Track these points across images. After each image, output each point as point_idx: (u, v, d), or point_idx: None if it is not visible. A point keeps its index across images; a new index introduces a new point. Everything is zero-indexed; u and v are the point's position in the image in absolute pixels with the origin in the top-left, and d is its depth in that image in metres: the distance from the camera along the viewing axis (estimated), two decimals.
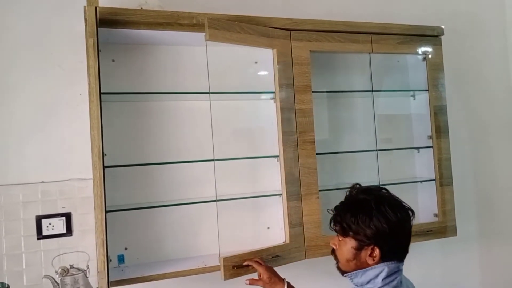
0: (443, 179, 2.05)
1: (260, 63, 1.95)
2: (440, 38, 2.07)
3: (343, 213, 1.26)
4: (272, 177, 1.83)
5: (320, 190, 1.81)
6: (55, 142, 1.67)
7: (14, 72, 1.64)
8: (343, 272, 1.31)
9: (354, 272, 1.26)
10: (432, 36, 2.06)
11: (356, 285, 1.26)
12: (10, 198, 1.61)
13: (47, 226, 1.65)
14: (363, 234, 1.21)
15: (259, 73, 1.95)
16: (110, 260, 1.63)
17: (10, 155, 1.63)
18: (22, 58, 1.65)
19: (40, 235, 1.64)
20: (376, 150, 2.04)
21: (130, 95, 1.71)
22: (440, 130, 2.07)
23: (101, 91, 1.44)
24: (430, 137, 2.08)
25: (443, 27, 2.06)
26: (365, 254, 1.23)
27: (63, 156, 1.68)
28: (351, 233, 1.23)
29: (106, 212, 1.42)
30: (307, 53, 1.80)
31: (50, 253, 1.63)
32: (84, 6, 1.41)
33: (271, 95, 1.83)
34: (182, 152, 1.80)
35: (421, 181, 2.15)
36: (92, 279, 1.54)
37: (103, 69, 1.57)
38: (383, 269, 1.22)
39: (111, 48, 1.70)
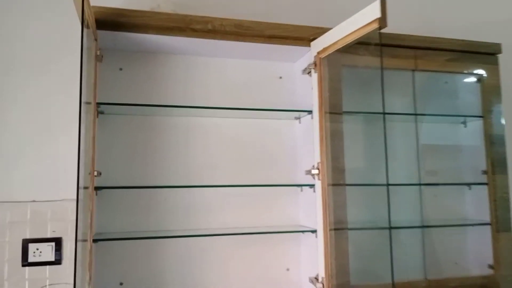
0: (500, 224, 1.76)
1: (285, 78, 1.75)
2: (497, 56, 1.83)
3: None
4: (291, 209, 1.62)
5: (349, 229, 1.54)
6: (50, 159, 1.51)
7: (7, 87, 1.51)
8: None
9: None
10: (487, 53, 1.81)
11: None
12: None
13: (34, 252, 1.47)
14: None
15: (283, 89, 1.74)
16: None
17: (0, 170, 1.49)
18: (16, 71, 1.51)
19: (25, 262, 1.46)
20: (420, 184, 1.78)
21: (135, 107, 1.52)
22: (496, 164, 1.79)
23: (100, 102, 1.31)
24: (485, 172, 1.80)
25: (501, 43, 1.82)
26: None
27: (57, 174, 1.51)
28: None
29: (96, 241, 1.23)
30: (338, 67, 1.58)
31: (36, 283, 1.46)
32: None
33: (296, 114, 1.62)
34: (191, 175, 1.61)
35: (472, 225, 1.86)
36: None
37: (109, 78, 1.44)
38: None
39: (119, 56, 1.57)
